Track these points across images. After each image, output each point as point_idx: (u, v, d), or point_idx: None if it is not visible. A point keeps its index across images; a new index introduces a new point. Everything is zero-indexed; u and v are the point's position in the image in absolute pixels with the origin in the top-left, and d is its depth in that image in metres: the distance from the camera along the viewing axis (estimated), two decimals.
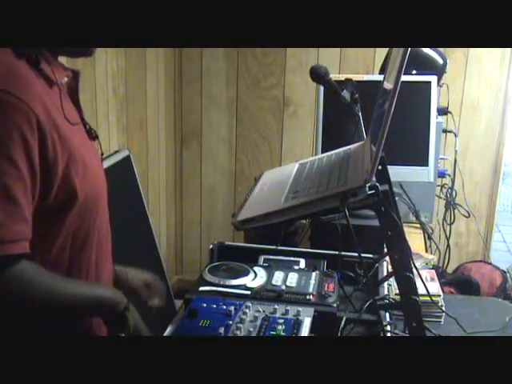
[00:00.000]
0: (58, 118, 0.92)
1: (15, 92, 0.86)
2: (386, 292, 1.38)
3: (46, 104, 0.90)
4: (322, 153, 1.61)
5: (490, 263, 2.95)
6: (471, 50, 2.91)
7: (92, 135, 1.08)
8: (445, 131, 2.45)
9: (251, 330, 1.14)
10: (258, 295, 1.30)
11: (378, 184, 1.01)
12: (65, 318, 1.01)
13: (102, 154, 1.12)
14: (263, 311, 1.21)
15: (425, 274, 1.55)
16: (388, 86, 1.11)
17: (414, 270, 1.11)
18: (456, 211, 2.56)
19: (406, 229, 1.12)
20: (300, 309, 1.21)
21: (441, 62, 2.32)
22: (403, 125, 1.71)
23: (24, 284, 0.89)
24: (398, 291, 1.14)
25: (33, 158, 0.87)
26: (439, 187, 2.50)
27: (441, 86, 2.38)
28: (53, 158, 0.90)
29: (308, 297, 1.29)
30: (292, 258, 1.53)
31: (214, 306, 1.24)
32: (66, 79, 1.01)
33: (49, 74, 0.94)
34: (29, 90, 0.88)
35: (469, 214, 2.57)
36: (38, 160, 0.88)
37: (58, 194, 0.92)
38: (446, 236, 2.61)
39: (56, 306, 0.96)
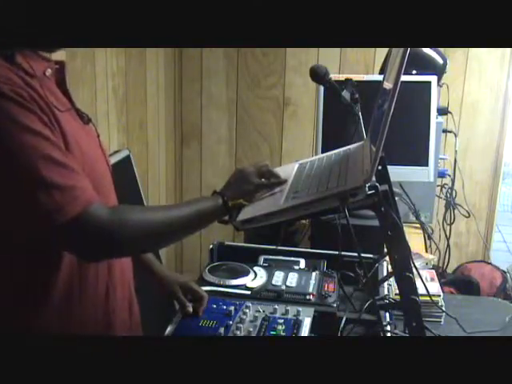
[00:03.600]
0: (47, 105, 0.92)
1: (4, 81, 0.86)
2: (386, 292, 1.38)
3: (29, 92, 0.89)
4: (322, 153, 1.61)
5: (490, 263, 2.95)
6: (471, 50, 2.90)
7: (84, 119, 1.07)
8: (445, 131, 2.45)
9: (251, 329, 1.14)
10: (258, 295, 1.30)
11: (377, 184, 1.01)
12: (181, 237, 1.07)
13: (99, 136, 1.11)
14: (263, 311, 1.22)
15: (425, 274, 1.55)
16: (388, 85, 1.11)
17: (414, 270, 1.11)
18: (456, 211, 2.56)
19: (405, 229, 1.11)
20: (300, 309, 1.21)
21: (441, 62, 2.32)
22: (403, 125, 1.71)
23: (125, 222, 0.92)
24: (397, 291, 1.14)
25: (46, 123, 0.89)
26: (439, 187, 2.50)
27: (441, 86, 2.38)
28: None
29: (308, 297, 1.29)
30: (292, 258, 1.53)
31: (214, 305, 1.24)
32: (50, 71, 0.99)
33: (26, 67, 0.93)
34: (9, 79, 0.87)
35: (469, 214, 2.57)
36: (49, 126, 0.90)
37: None
38: (446, 236, 2.60)
39: (167, 231, 0.99)
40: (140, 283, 1.25)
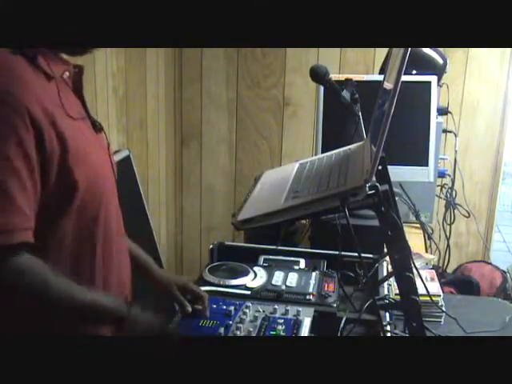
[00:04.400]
0: (56, 112, 0.93)
1: (8, 88, 0.87)
2: (386, 292, 1.38)
3: (42, 99, 0.91)
4: (322, 153, 1.61)
5: (490, 263, 2.95)
6: (471, 50, 2.90)
7: (97, 127, 1.09)
8: (445, 131, 2.45)
9: (251, 329, 1.14)
10: (258, 295, 1.30)
11: (377, 184, 1.01)
12: (61, 320, 1.00)
13: (109, 145, 1.13)
14: (263, 311, 1.21)
15: (425, 274, 1.55)
16: (388, 86, 1.11)
17: (414, 270, 1.11)
18: (456, 211, 2.56)
19: (406, 229, 1.11)
20: (300, 309, 1.21)
21: (441, 61, 2.32)
22: (403, 125, 1.71)
23: (23, 276, 0.91)
24: (398, 291, 1.14)
25: (28, 151, 0.89)
26: (439, 187, 2.50)
27: (441, 86, 2.38)
28: (50, 150, 0.91)
29: (308, 297, 1.29)
30: (292, 258, 1.53)
31: (214, 306, 1.24)
32: (67, 74, 1.01)
33: (45, 69, 0.95)
34: (23, 86, 0.89)
35: (469, 214, 2.57)
36: (34, 153, 0.89)
37: (57, 186, 0.94)
38: (446, 236, 2.60)
39: (52, 305, 0.96)
40: (140, 283, 1.25)
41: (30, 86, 0.90)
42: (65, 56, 1.02)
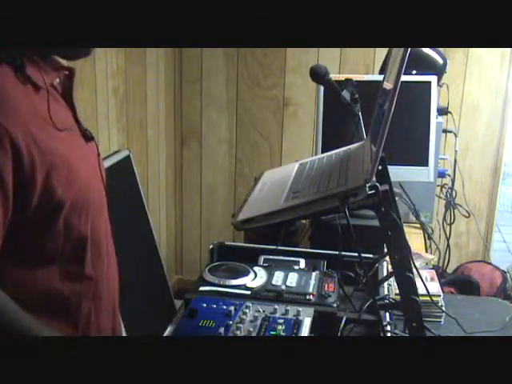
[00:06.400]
0: (40, 128, 0.88)
1: None
2: (386, 292, 1.38)
3: (27, 116, 0.86)
4: (322, 153, 1.62)
5: (490, 263, 2.95)
6: (471, 50, 2.91)
7: (87, 137, 1.03)
8: (445, 131, 2.45)
9: (251, 329, 1.14)
10: (257, 295, 1.30)
11: (378, 184, 1.01)
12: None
13: (99, 155, 1.07)
14: (263, 311, 1.21)
15: (425, 273, 1.55)
16: (388, 85, 1.11)
17: (414, 270, 1.11)
18: (456, 211, 2.56)
19: (405, 229, 1.12)
20: (300, 309, 1.21)
21: (441, 62, 2.32)
22: (403, 125, 1.71)
23: None
24: (398, 291, 1.14)
25: (5, 177, 0.83)
26: (439, 187, 2.50)
27: (441, 86, 2.38)
28: (30, 171, 0.86)
29: (308, 297, 1.29)
30: (292, 258, 1.53)
31: (214, 305, 1.24)
32: (58, 80, 0.97)
33: (35, 79, 0.90)
34: (5, 104, 0.83)
35: (469, 214, 2.57)
36: (11, 176, 0.84)
37: (39, 205, 0.89)
38: (446, 236, 2.61)
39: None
40: (140, 283, 1.25)
41: (14, 102, 0.85)
42: (60, 60, 0.97)
